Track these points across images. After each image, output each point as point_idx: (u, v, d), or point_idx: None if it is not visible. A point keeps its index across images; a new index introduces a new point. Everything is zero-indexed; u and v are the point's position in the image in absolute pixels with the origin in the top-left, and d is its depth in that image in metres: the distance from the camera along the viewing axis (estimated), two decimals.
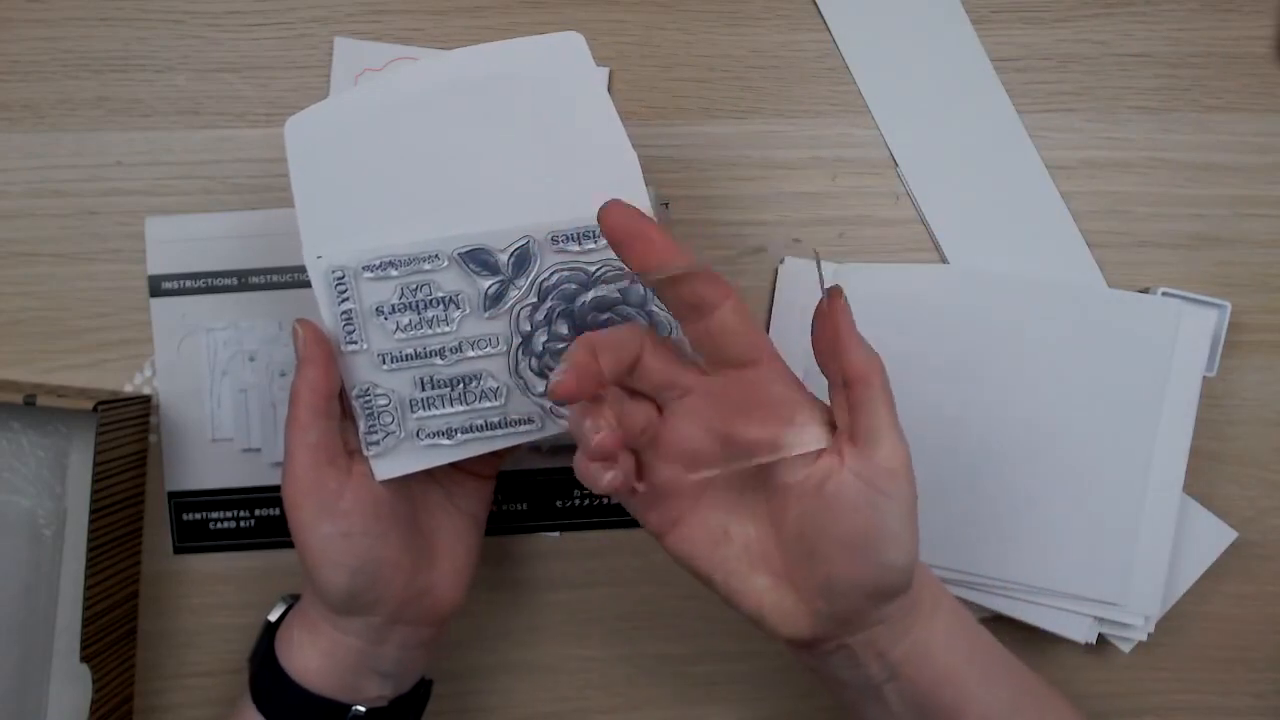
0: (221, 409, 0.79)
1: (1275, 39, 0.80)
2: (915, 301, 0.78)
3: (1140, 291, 0.78)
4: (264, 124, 0.79)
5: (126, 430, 0.75)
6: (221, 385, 0.79)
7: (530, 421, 0.62)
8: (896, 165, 0.80)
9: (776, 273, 0.79)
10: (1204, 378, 0.76)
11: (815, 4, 0.80)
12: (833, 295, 0.55)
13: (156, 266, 0.78)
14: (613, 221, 0.55)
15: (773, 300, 0.79)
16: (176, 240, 0.78)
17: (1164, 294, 0.77)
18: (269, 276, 0.79)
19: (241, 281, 0.78)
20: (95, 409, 0.70)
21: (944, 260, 0.80)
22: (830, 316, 0.55)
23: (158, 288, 0.78)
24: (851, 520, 0.55)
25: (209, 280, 0.78)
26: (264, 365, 0.78)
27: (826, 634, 0.58)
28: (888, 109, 0.80)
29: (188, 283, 0.78)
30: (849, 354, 0.55)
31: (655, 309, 0.61)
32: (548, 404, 0.62)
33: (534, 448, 0.80)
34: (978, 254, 0.79)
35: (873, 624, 0.58)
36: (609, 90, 0.79)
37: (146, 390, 0.79)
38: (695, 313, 0.56)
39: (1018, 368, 0.77)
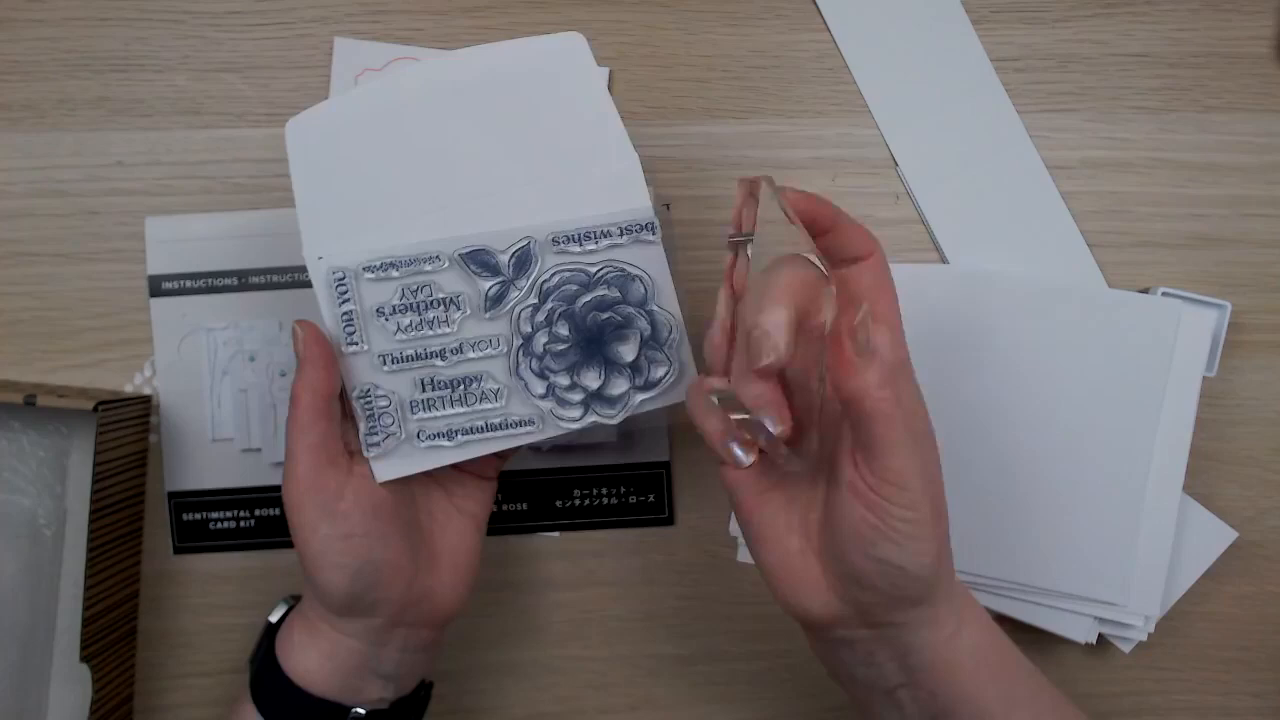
0: (221, 409, 0.79)
1: (1275, 39, 0.80)
2: (915, 301, 0.78)
3: (1140, 291, 0.78)
4: (264, 124, 0.79)
5: (126, 430, 0.75)
6: (221, 385, 0.79)
7: (530, 423, 0.62)
8: (896, 165, 0.80)
9: None
10: (1204, 378, 0.76)
11: (815, 4, 0.80)
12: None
13: (156, 266, 0.78)
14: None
15: None
16: (176, 240, 0.78)
17: (1164, 294, 0.77)
18: (269, 276, 0.79)
19: (241, 281, 0.78)
20: (95, 409, 0.70)
21: (944, 260, 0.80)
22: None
23: (158, 288, 0.78)
24: (862, 518, 0.55)
25: (209, 280, 0.78)
26: (264, 365, 0.79)
27: (836, 618, 0.58)
28: (888, 109, 0.80)
29: (188, 283, 0.78)
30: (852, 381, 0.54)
31: (656, 308, 0.61)
32: (548, 405, 0.62)
33: (534, 448, 0.80)
34: (978, 254, 0.79)
35: (887, 624, 0.58)
36: (609, 90, 0.79)
37: (146, 390, 0.79)
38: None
39: (1017, 368, 0.77)
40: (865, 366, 0.52)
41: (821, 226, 0.57)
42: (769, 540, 0.60)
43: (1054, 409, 0.77)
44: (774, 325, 0.52)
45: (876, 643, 0.59)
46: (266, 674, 0.64)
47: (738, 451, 0.57)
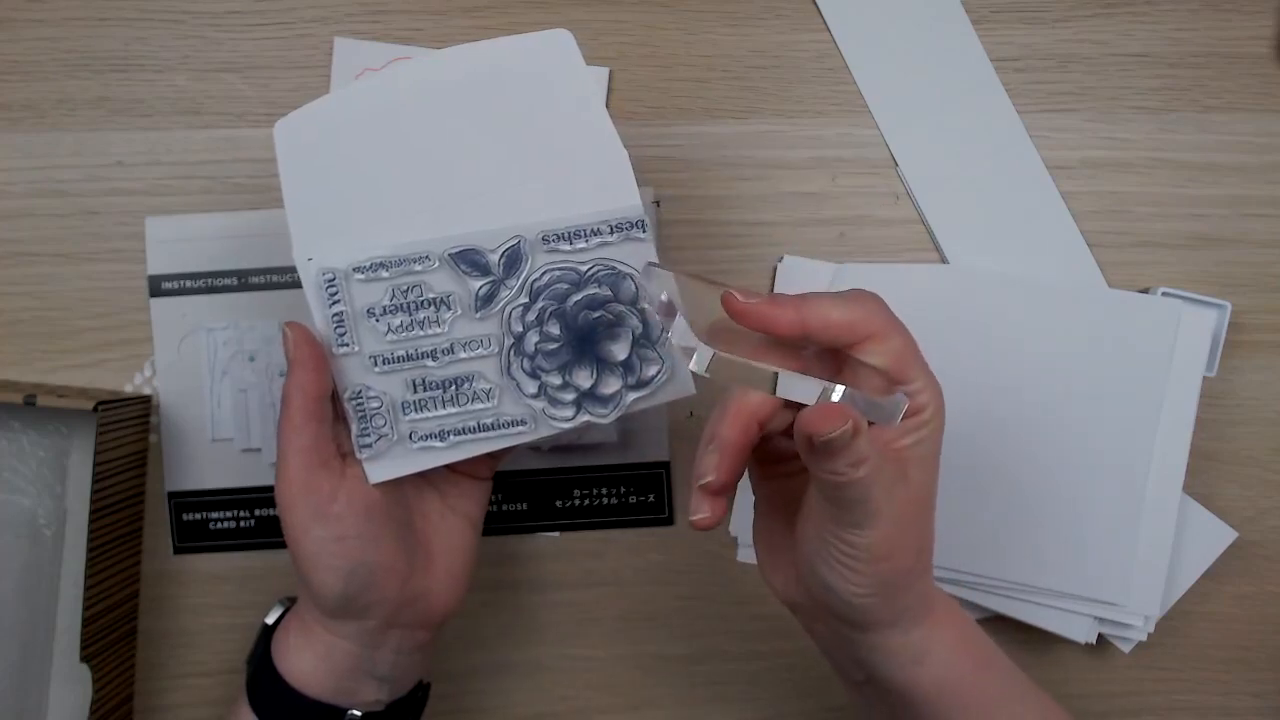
0: (221, 409, 0.79)
1: (1275, 39, 0.80)
2: (915, 301, 0.77)
3: (1140, 291, 0.78)
4: (264, 124, 0.79)
5: (126, 430, 0.76)
6: (221, 385, 0.79)
7: (523, 423, 0.62)
8: (896, 165, 0.80)
9: (775, 272, 0.79)
10: (1204, 378, 0.76)
11: (815, 4, 0.80)
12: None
13: (156, 266, 0.78)
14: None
15: None
16: (176, 240, 0.78)
17: (1164, 294, 0.77)
18: (269, 276, 0.79)
19: (241, 281, 0.79)
20: (95, 409, 0.71)
21: (944, 260, 0.80)
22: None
23: (158, 288, 0.78)
24: (815, 532, 0.55)
25: (209, 280, 0.78)
26: (264, 365, 0.79)
27: (796, 605, 0.61)
28: (888, 109, 0.80)
29: (188, 283, 0.78)
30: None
31: (648, 306, 0.61)
32: (540, 405, 0.62)
33: (534, 447, 0.80)
34: (978, 254, 0.79)
35: (841, 634, 0.59)
36: (609, 90, 0.79)
37: (146, 390, 0.79)
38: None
39: (1018, 368, 0.77)
40: (835, 458, 0.51)
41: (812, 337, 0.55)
42: (766, 512, 0.61)
43: (1054, 409, 0.77)
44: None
45: (836, 640, 0.60)
46: (262, 676, 0.64)
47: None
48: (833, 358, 0.57)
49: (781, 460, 0.61)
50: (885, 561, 0.54)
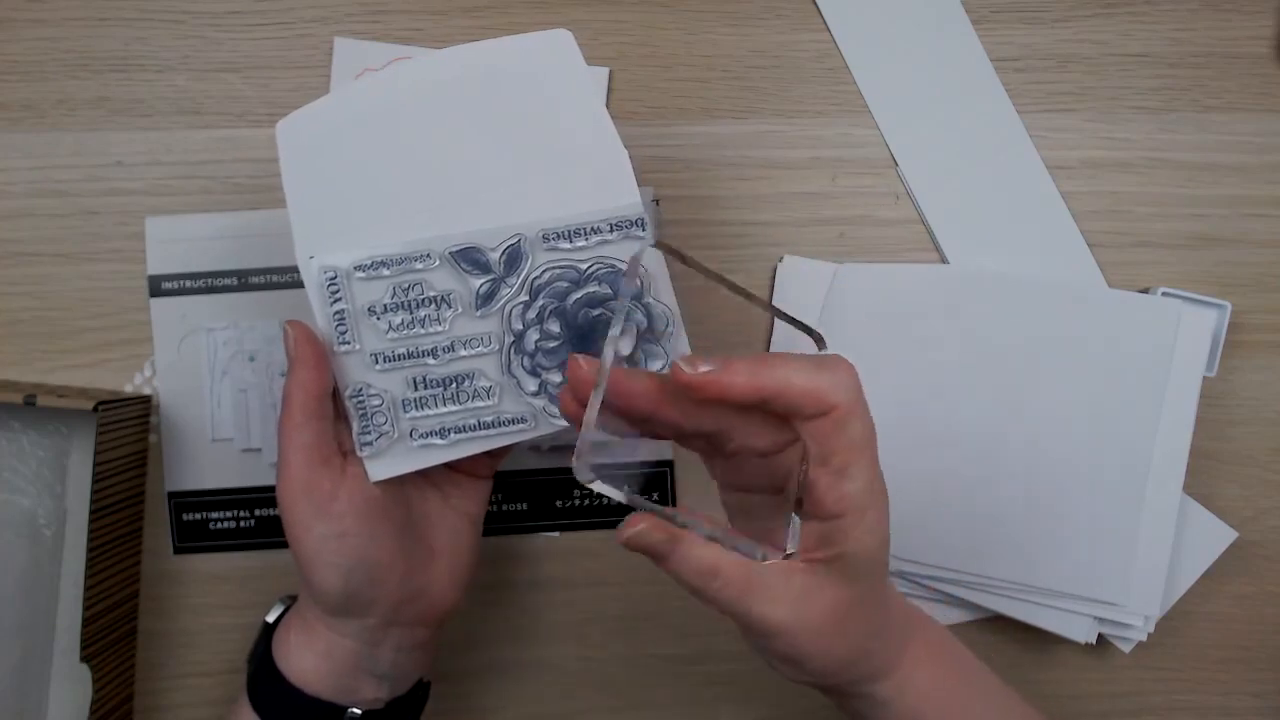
0: (221, 409, 0.79)
1: (1275, 39, 0.80)
2: (915, 301, 0.78)
3: (1140, 291, 0.78)
4: (264, 124, 0.79)
5: (126, 430, 0.76)
6: (221, 385, 0.79)
7: (523, 421, 0.62)
8: (896, 165, 0.80)
9: (775, 271, 0.79)
10: (1204, 378, 0.76)
11: (815, 4, 0.80)
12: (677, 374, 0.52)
13: (156, 266, 0.78)
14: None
15: (771, 299, 0.79)
16: (176, 240, 0.78)
17: (1164, 294, 0.77)
18: (269, 276, 0.79)
19: (241, 281, 0.79)
20: (95, 409, 0.71)
21: (944, 260, 0.80)
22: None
23: (158, 288, 0.78)
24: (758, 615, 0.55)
25: (209, 280, 0.78)
26: (264, 365, 0.79)
27: None
28: (888, 109, 0.80)
29: (188, 283, 0.78)
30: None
31: (652, 300, 0.61)
32: (540, 403, 0.62)
33: (534, 447, 0.80)
34: (978, 254, 0.79)
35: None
36: (609, 90, 0.79)
37: (146, 390, 0.79)
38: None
39: (1018, 368, 0.77)
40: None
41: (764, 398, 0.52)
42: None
43: (1054, 409, 0.77)
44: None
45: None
46: (263, 674, 0.64)
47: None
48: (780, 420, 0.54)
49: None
50: (822, 658, 0.55)
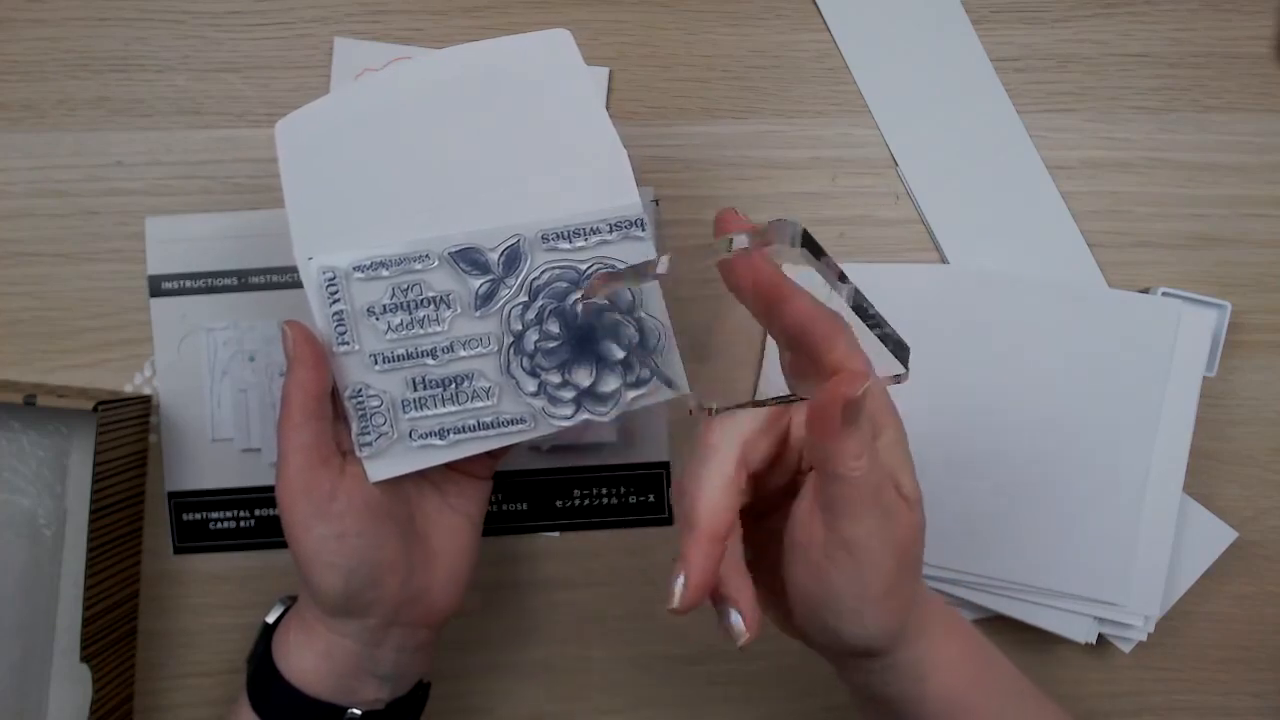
0: (221, 409, 0.79)
1: (1275, 39, 0.80)
2: (915, 301, 0.78)
3: (1140, 291, 0.78)
4: (264, 124, 0.79)
5: (126, 430, 0.76)
6: (221, 385, 0.79)
7: (522, 421, 0.62)
8: (896, 165, 0.80)
9: None
10: (1204, 378, 0.76)
11: (815, 4, 0.80)
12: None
13: (156, 266, 0.78)
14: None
15: None
16: (176, 240, 0.78)
17: (1164, 294, 0.77)
18: (269, 276, 0.79)
19: (241, 281, 0.79)
20: (95, 409, 0.71)
21: (944, 260, 0.80)
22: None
23: (158, 288, 0.78)
24: (805, 583, 0.55)
25: (209, 280, 0.78)
26: (264, 365, 0.79)
27: (798, 636, 0.60)
28: (888, 109, 0.80)
29: (188, 283, 0.78)
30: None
31: (644, 315, 0.61)
32: (540, 404, 0.62)
33: (534, 447, 0.80)
34: (978, 254, 0.79)
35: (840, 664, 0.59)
36: (609, 90, 0.79)
37: (146, 390, 0.79)
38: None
39: (1018, 368, 0.77)
40: (847, 434, 0.51)
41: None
42: (760, 545, 0.60)
43: (1054, 409, 0.77)
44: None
45: (839, 666, 0.60)
46: (262, 675, 0.64)
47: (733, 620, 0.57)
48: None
49: (768, 512, 0.61)
50: (893, 597, 0.54)
